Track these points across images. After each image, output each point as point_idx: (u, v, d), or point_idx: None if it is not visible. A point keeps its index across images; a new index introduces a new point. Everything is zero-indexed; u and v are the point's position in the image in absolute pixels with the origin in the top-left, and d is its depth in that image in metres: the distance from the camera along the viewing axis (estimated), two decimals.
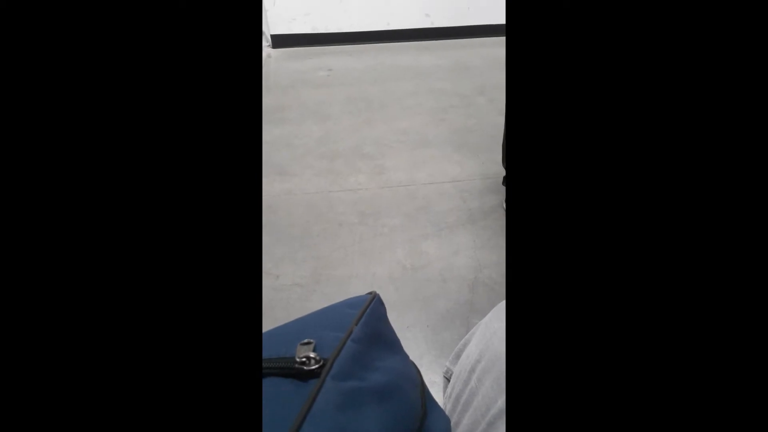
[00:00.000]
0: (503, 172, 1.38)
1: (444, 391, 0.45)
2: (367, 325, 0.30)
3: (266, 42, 2.58)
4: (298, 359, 0.25)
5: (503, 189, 1.40)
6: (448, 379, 0.45)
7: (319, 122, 1.84)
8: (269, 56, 2.51)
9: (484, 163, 1.57)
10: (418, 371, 0.33)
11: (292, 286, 1.11)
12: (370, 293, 0.35)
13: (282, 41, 2.56)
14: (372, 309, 0.32)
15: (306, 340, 0.26)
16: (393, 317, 0.34)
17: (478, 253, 1.20)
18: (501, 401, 0.33)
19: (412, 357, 0.34)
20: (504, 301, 0.42)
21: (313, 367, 0.25)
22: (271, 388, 0.24)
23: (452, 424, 0.38)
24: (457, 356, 0.45)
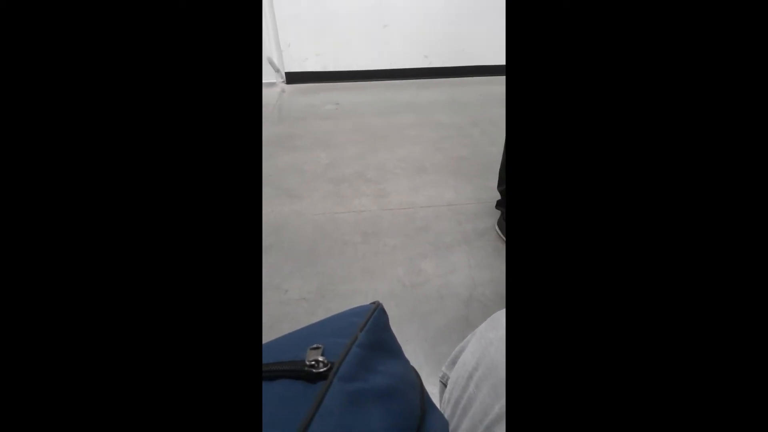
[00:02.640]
0: (496, 197, 1.40)
1: (441, 396, 0.45)
2: (371, 332, 0.31)
3: (281, 78, 2.66)
4: (307, 362, 0.25)
5: (496, 212, 1.42)
6: (444, 384, 0.45)
7: (327, 150, 1.88)
8: (283, 91, 2.58)
9: (478, 188, 1.59)
10: (418, 375, 0.34)
11: (299, 301, 1.11)
12: (374, 303, 0.36)
13: (295, 78, 2.65)
14: (375, 317, 0.33)
15: (315, 345, 0.27)
16: (393, 331, 0.34)
17: (473, 271, 1.20)
18: (498, 407, 0.33)
19: None
20: (498, 312, 0.43)
21: (322, 370, 0.25)
22: (282, 389, 0.25)
23: (451, 427, 0.38)
24: (453, 362, 0.45)
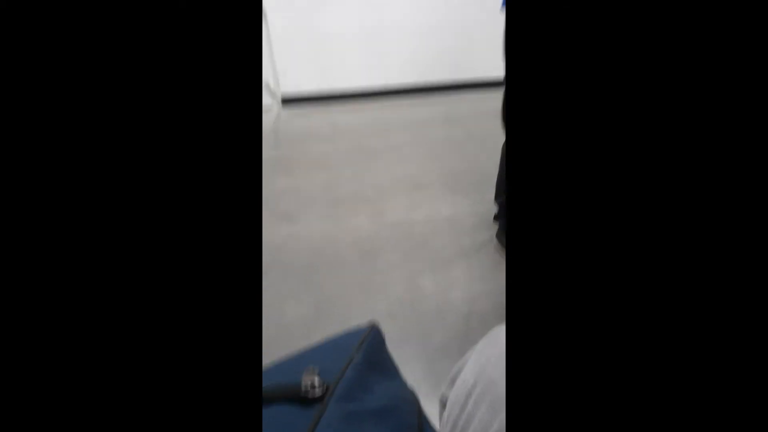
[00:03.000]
0: (494, 209, 1.39)
1: (440, 417, 0.44)
2: (367, 353, 0.31)
3: (277, 102, 2.71)
4: (304, 386, 0.26)
5: (494, 225, 1.40)
6: (444, 405, 0.44)
7: (324, 171, 1.89)
8: (279, 115, 2.63)
9: (475, 202, 1.58)
10: (415, 395, 0.33)
11: (296, 323, 1.09)
12: (370, 323, 0.36)
13: (291, 101, 2.69)
14: (371, 338, 0.33)
15: (311, 368, 0.27)
16: (393, 351, 0.34)
17: (472, 286, 1.18)
18: (496, 423, 0.33)
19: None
20: (496, 328, 0.42)
21: (318, 392, 0.26)
22: (279, 413, 0.25)
23: None
24: (452, 381, 0.44)
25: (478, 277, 1.21)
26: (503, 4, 1.01)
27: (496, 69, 1.07)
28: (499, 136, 1.20)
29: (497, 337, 0.40)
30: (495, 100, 1.15)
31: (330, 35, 2.51)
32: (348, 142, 2.18)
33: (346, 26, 2.49)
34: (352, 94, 2.71)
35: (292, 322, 1.10)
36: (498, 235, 1.34)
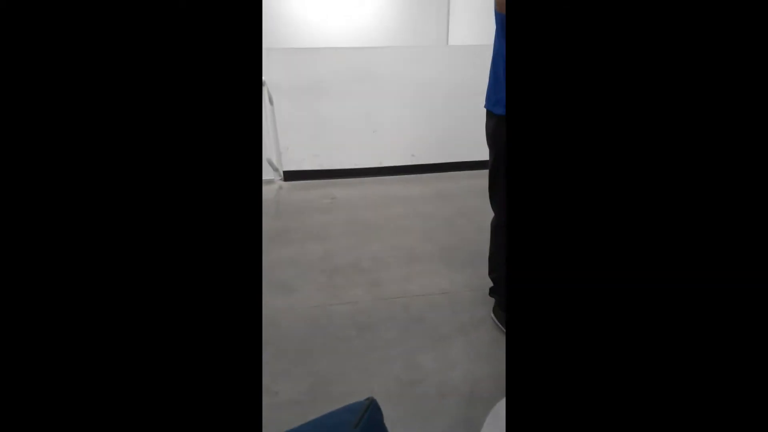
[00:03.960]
0: (489, 284, 1.39)
1: None
2: (365, 430, 0.31)
3: (279, 177, 2.83)
4: None
5: (490, 300, 1.40)
6: None
7: (322, 242, 1.91)
8: (281, 188, 2.72)
9: (470, 276, 1.59)
10: None
11: (291, 404, 1.02)
12: (368, 399, 0.35)
13: (292, 176, 2.81)
14: (370, 414, 0.33)
15: None
16: None
17: (472, 365, 1.14)
18: None
19: None
20: (498, 404, 0.41)
21: None
22: None
23: None
24: None
25: (478, 356, 1.17)
26: (487, 103, 1.14)
27: (483, 153, 1.17)
28: (488, 213, 1.26)
29: (499, 412, 0.39)
30: (482, 179, 1.23)
31: (331, 120, 2.72)
32: (345, 215, 2.24)
33: (345, 112, 2.72)
34: (350, 171, 2.85)
35: (285, 401, 1.02)
36: (494, 311, 1.33)
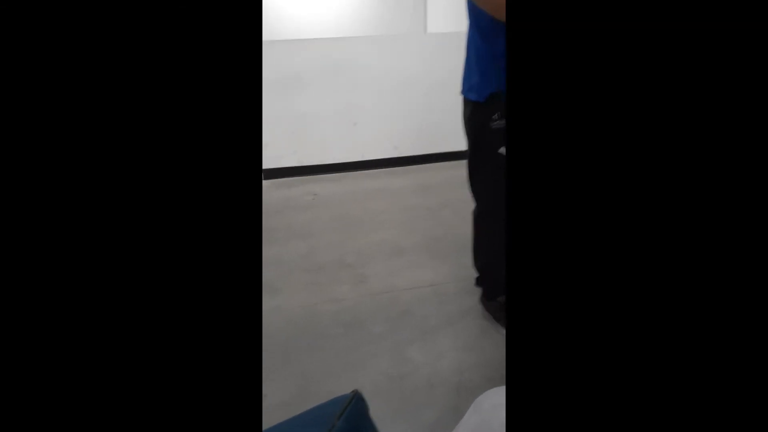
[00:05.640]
0: (474, 274, 1.42)
1: None
2: (349, 420, 0.31)
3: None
4: None
5: (476, 290, 1.42)
6: None
7: (305, 240, 1.90)
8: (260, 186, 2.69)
9: (456, 267, 1.61)
10: None
11: (279, 406, 1.02)
12: (352, 391, 0.36)
13: (272, 174, 2.78)
14: (354, 405, 0.33)
15: None
16: (382, 429, 0.33)
17: (460, 354, 1.16)
18: None
19: None
20: (480, 396, 0.42)
21: None
22: None
23: None
24: None
25: (465, 346, 1.20)
26: (462, 89, 1.15)
27: (463, 142, 1.19)
28: (470, 203, 1.28)
29: (482, 404, 0.41)
30: (463, 168, 1.24)
31: (310, 115, 2.69)
32: (328, 211, 2.23)
33: (323, 105, 2.69)
34: (331, 166, 2.83)
35: (274, 404, 1.02)
36: (482, 300, 1.35)
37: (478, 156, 1.15)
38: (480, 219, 1.25)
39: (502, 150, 1.08)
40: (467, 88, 1.11)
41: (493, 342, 1.20)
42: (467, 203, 1.32)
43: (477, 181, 1.19)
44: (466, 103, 1.14)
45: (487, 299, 1.32)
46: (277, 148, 2.71)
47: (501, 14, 0.91)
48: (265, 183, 2.74)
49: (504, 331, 1.24)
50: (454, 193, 2.38)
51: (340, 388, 1.07)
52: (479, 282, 1.37)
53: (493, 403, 0.42)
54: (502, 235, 1.13)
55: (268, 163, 2.74)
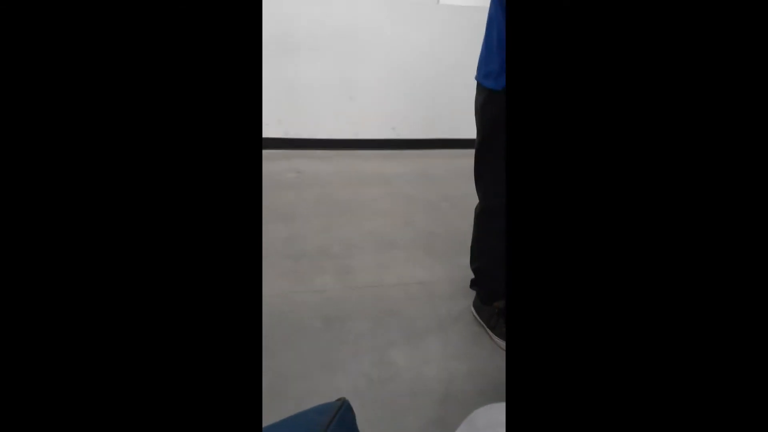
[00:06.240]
0: (470, 276, 1.43)
1: None
2: None
3: None
4: None
5: (471, 293, 1.44)
6: None
7: (286, 223, 1.88)
8: None
9: (451, 266, 1.62)
10: None
11: None
12: (339, 399, 0.36)
13: None
14: (341, 415, 0.34)
15: None
16: None
17: (449, 362, 1.18)
18: None
19: None
20: (474, 412, 0.42)
21: None
22: None
23: None
24: None
25: (455, 353, 1.21)
26: (477, 74, 1.14)
27: (474, 130, 1.18)
28: (473, 198, 1.28)
29: (475, 423, 0.41)
30: (470, 159, 1.24)
31: (300, 82, 2.64)
32: (314, 192, 2.22)
33: (316, 73, 2.64)
34: (321, 142, 2.80)
35: None
36: (475, 304, 1.37)
37: (488, 149, 1.15)
38: (482, 217, 1.25)
39: None
40: (484, 74, 1.10)
41: (487, 351, 1.23)
42: (470, 198, 1.33)
43: (483, 176, 1.20)
44: (481, 89, 1.13)
45: (482, 303, 1.34)
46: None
47: None
48: None
49: (497, 340, 1.26)
50: (455, 186, 2.39)
51: (314, 387, 1.08)
52: (474, 284, 1.39)
53: (490, 421, 0.43)
54: (504, 237, 1.14)
55: None
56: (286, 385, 1.08)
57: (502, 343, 1.28)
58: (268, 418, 1.11)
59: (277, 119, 2.71)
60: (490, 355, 1.21)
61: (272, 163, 2.57)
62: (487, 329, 1.29)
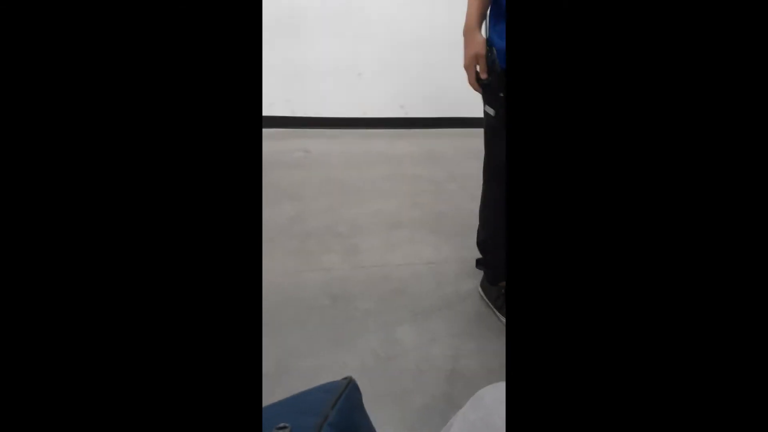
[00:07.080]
0: (477, 256, 1.43)
1: None
2: (343, 411, 0.32)
3: None
4: None
5: (478, 273, 1.44)
6: None
7: (293, 202, 1.89)
8: None
9: (459, 246, 1.62)
10: None
11: None
12: (346, 378, 0.37)
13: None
14: (348, 394, 0.34)
15: (281, 425, 0.28)
16: (366, 411, 0.34)
17: (455, 341, 1.19)
18: None
19: None
20: (481, 390, 0.43)
21: None
22: None
23: None
24: None
25: (462, 332, 1.22)
26: (489, 34, 1.11)
27: (480, 108, 1.16)
28: (481, 179, 1.27)
29: (482, 399, 0.41)
30: (479, 139, 1.22)
31: (306, 58, 2.60)
32: (321, 172, 2.21)
33: (324, 50, 2.59)
34: (328, 120, 2.77)
35: None
36: (482, 285, 1.37)
37: (494, 128, 1.13)
38: (493, 173, 1.22)
39: None
40: (498, 35, 1.08)
41: (493, 330, 1.23)
42: (477, 179, 1.31)
43: (496, 142, 1.17)
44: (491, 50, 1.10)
45: (488, 283, 1.34)
46: (266, 95, 2.63)
47: None
48: None
49: (504, 320, 1.27)
50: (464, 166, 2.36)
51: (323, 365, 1.10)
52: (480, 264, 1.38)
53: (496, 398, 0.43)
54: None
55: None
56: (295, 361, 1.09)
57: None
58: (277, 394, 1.13)
59: (284, 98, 2.68)
60: (497, 336, 1.21)
61: (280, 141, 2.55)
62: (494, 309, 1.29)
